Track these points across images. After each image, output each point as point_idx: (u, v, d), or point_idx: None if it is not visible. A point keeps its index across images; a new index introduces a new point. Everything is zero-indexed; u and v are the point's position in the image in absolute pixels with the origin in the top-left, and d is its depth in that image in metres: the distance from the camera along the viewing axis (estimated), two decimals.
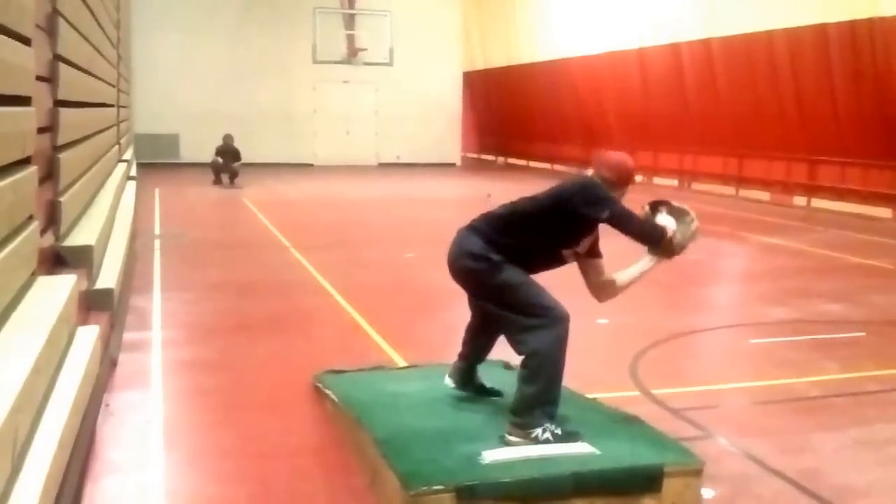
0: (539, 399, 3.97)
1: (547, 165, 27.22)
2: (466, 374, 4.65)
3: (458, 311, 7.75)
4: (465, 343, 4.66)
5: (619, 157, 4.45)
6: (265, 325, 7.23)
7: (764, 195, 19.02)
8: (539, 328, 4.02)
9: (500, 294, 4.15)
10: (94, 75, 9.15)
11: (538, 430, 3.91)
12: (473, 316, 4.58)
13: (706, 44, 19.44)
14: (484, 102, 32.00)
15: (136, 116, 25.53)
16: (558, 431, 3.93)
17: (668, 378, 5.79)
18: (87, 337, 4.38)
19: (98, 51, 9.83)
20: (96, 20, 9.61)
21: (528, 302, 4.10)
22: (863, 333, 7.21)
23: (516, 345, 4.13)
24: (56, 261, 5.45)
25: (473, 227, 4.27)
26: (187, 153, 26.71)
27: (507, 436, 3.96)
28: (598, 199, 4.14)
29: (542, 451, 3.77)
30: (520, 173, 25.25)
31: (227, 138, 20.66)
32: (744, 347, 6.91)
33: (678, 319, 7.56)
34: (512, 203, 4.34)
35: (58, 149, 5.92)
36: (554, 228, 4.22)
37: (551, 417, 3.98)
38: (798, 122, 17.54)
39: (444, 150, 29.74)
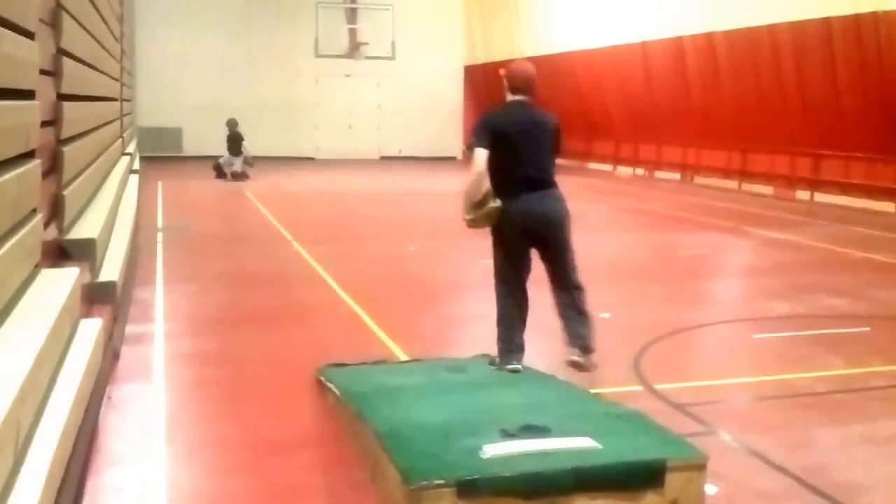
0: None
1: None
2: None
3: (459, 304, 7.76)
4: (523, 326, 5.26)
5: (512, 65, 5.35)
6: (267, 318, 7.23)
7: (767, 189, 19.00)
8: None
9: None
10: (97, 69, 9.13)
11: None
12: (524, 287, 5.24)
13: (709, 37, 19.39)
14: (485, 96, 31.87)
15: (140, 110, 25.54)
16: None
17: (671, 373, 5.79)
18: (90, 329, 4.38)
19: (101, 45, 9.81)
20: (100, 14, 9.59)
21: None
22: (868, 328, 7.20)
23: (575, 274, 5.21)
24: (59, 253, 5.45)
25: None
26: (190, 147, 26.76)
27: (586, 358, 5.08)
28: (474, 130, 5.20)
29: (544, 444, 3.77)
30: None
31: (231, 123, 20.73)
32: (747, 342, 6.91)
33: (681, 314, 7.55)
34: None
35: (61, 142, 5.92)
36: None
37: None
38: (802, 117, 17.50)
39: (446, 144, 29.72)
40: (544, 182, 5.18)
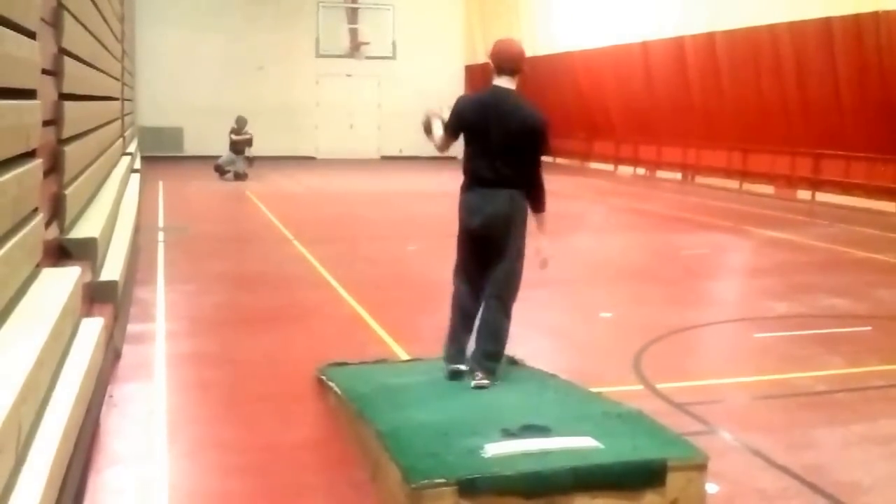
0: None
1: (549, 159, 27.17)
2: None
3: None
4: (462, 330, 4.89)
5: (498, 42, 4.93)
6: (267, 318, 7.23)
7: (768, 189, 18.99)
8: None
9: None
10: (98, 69, 9.15)
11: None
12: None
13: (710, 37, 19.39)
14: None
15: (141, 110, 25.57)
16: None
17: (671, 372, 5.79)
18: (91, 329, 4.39)
19: (102, 45, 9.83)
20: (101, 14, 9.61)
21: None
22: (868, 328, 7.20)
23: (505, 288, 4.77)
24: (60, 253, 5.46)
25: None
26: (191, 146, 26.77)
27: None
28: None
29: (544, 444, 3.77)
30: None
31: (241, 121, 20.73)
32: (748, 342, 6.91)
33: (682, 314, 7.55)
34: None
35: (62, 142, 5.93)
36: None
37: None
38: (802, 117, 17.50)
39: None
40: (496, 180, 4.69)
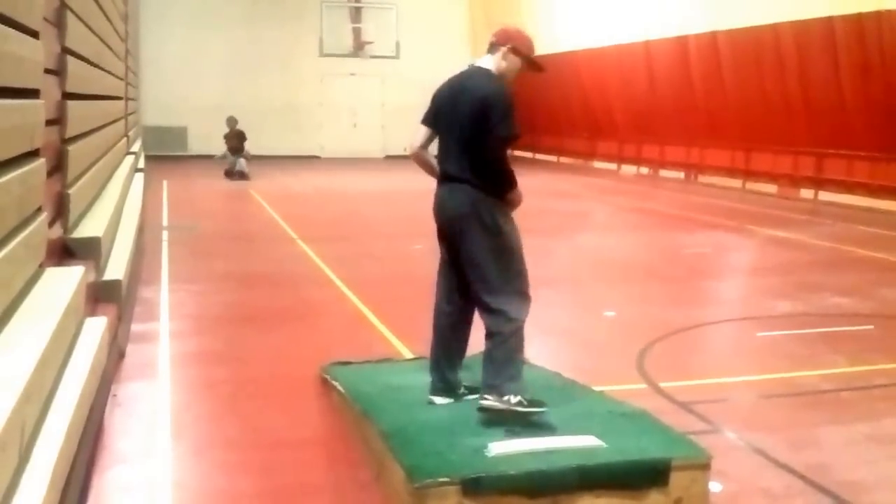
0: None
1: (553, 158, 27.19)
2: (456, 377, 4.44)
3: None
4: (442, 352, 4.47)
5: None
6: (272, 317, 7.24)
7: (771, 188, 18.97)
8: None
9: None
10: (101, 68, 9.15)
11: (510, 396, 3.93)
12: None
13: (713, 37, 19.37)
14: None
15: (145, 109, 25.60)
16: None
17: (675, 371, 5.79)
18: (95, 328, 4.39)
19: (106, 44, 9.83)
20: (104, 13, 9.62)
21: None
22: (871, 327, 7.19)
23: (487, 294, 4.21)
24: (64, 252, 5.46)
25: None
26: (195, 145, 26.80)
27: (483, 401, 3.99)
28: None
29: (548, 443, 3.77)
30: (525, 165, 25.21)
31: (231, 121, 20.78)
32: (751, 341, 6.90)
33: (685, 313, 7.54)
34: None
35: (66, 141, 5.93)
36: None
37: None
38: (805, 116, 17.47)
39: None
40: (458, 175, 4.24)
